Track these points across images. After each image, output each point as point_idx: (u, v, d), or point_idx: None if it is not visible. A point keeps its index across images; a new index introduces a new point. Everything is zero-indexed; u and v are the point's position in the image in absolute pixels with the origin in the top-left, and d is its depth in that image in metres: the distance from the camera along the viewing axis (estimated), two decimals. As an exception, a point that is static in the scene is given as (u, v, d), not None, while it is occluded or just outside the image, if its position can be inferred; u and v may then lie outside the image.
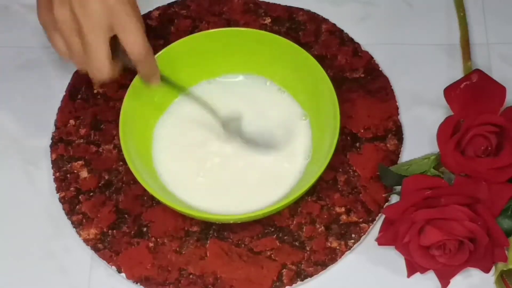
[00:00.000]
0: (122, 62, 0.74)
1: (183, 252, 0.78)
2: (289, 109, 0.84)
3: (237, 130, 0.82)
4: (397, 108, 0.85)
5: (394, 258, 0.77)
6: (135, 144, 0.79)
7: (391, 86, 0.86)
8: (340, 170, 0.82)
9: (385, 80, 0.87)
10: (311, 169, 0.80)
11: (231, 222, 0.79)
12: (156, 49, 0.84)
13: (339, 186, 0.81)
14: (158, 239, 0.79)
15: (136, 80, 0.80)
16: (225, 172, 0.81)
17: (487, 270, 0.75)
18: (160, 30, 0.90)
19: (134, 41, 0.71)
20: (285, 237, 0.79)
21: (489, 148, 0.75)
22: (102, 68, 0.72)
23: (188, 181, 0.81)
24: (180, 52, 0.83)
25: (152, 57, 0.74)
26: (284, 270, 0.77)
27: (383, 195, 0.80)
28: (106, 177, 0.82)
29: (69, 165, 0.83)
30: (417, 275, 0.76)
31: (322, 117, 0.81)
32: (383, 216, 0.77)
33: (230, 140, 0.82)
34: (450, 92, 0.78)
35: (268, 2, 0.92)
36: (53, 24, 0.72)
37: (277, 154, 0.82)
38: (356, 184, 0.81)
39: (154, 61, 0.75)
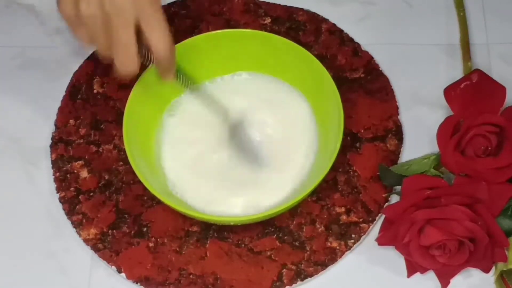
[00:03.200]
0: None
1: (183, 252, 0.78)
2: (295, 109, 0.84)
3: (241, 136, 0.82)
4: (397, 108, 0.85)
5: (394, 258, 0.77)
6: (139, 143, 0.79)
7: (391, 86, 0.86)
8: (340, 170, 0.82)
9: (385, 80, 0.87)
10: (314, 171, 0.80)
11: (231, 224, 0.79)
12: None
13: (339, 186, 0.81)
14: (158, 239, 0.79)
15: (141, 80, 0.80)
16: (228, 173, 0.81)
17: (487, 270, 0.75)
18: (160, 30, 0.90)
19: (160, 38, 0.71)
20: (285, 237, 0.79)
21: (489, 148, 0.75)
22: (130, 63, 0.71)
23: (191, 180, 0.80)
24: (184, 53, 0.83)
25: (174, 55, 0.74)
26: (284, 270, 0.77)
27: (383, 195, 0.80)
28: (106, 177, 0.82)
29: (69, 165, 0.83)
30: (417, 275, 0.76)
31: (326, 118, 0.81)
32: (383, 216, 0.77)
33: (231, 145, 0.82)
34: (450, 92, 0.78)
35: (268, 2, 0.92)
36: (78, 19, 0.70)
37: (272, 166, 0.81)
38: (356, 184, 0.81)
39: (175, 59, 0.75)
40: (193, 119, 0.84)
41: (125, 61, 0.71)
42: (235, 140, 0.82)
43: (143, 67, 0.76)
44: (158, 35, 0.71)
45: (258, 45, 0.83)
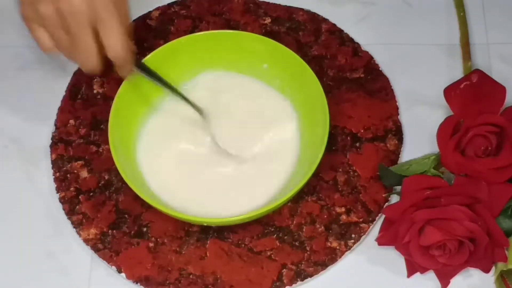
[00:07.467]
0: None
1: (183, 252, 0.78)
2: (280, 106, 0.84)
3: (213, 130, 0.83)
4: (397, 108, 0.85)
5: (394, 258, 0.77)
6: (124, 154, 0.79)
7: (391, 86, 0.86)
8: (340, 170, 0.82)
9: (385, 80, 0.87)
10: (302, 167, 0.80)
11: (225, 225, 0.79)
12: (155, 49, 0.84)
13: (339, 186, 0.81)
14: (158, 239, 0.79)
15: (121, 89, 0.81)
16: (216, 174, 0.81)
17: (487, 270, 0.75)
18: (160, 30, 0.90)
19: (114, 43, 0.74)
20: (285, 237, 0.79)
21: (489, 148, 0.75)
22: (89, 61, 0.75)
23: (180, 185, 0.80)
24: (176, 51, 0.84)
25: (128, 58, 0.76)
26: (284, 270, 0.77)
27: (383, 195, 0.80)
28: (106, 177, 0.82)
29: (69, 165, 0.83)
30: (417, 275, 0.76)
31: (312, 115, 0.81)
32: (383, 216, 0.77)
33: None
34: (450, 92, 0.78)
35: (268, 2, 0.92)
36: (37, 19, 0.74)
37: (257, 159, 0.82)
38: (356, 184, 0.81)
39: (131, 61, 0.77)
40: (177, 122, 0.84)
41: (84, 59, 0.75)
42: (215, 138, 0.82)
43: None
44: (111, 37, 0.73)
45: (231, 46, 0.84)
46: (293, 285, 0.77)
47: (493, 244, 0.73)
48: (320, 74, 0.86)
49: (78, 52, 0.74)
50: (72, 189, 0.81)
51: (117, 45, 0.74)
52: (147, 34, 0.90)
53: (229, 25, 0.90)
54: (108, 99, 0.86)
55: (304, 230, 0.79)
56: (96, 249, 0.78)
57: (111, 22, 0.73)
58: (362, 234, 0.79)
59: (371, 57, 0.88)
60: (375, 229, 0.79)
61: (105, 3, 0.72)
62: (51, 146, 0.84)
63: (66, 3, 0.71)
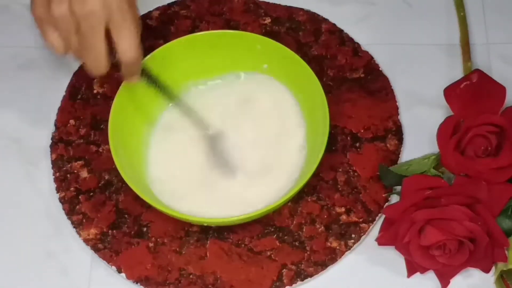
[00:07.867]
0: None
1: (183, 252, 0.78)
2: (284, 106, 0.84)
3: (220, 148, 0.83)
4: (397, 108, 0.85)
5: (394, 258, 0.77)
6: (126, 153, 0.79)
7: (391, 86, 0.86)
8: (340, 170, 0.82)
9: (385, 80, 0.87)
10: (302, 167, 0.80)
11: (225, 225, 0.79)
12: (156, 49, 0.85)
13: (339, 186, 0.81)
14: (158, 239, 0.79)
15: (121, 89, 0.81)
16: (217, 173, 0.81)
17: (487, 270, 0.75)
18: (160, 30, 0.90)
19: (127, 46, 0.73)
20: (285, 237, 0.79)
21: (489, 148, 0.75)
22: (98, 64, 0.73)
23: (180, 185, 0.80)
24: (176, 51, 0.84)
25: (139, 62, 0.75)
26: (284, 270, 0.77)
27: (383, 195, 0.80)
28: (106, 177, 0.82)
29: (69, 165, 0.83)
30: (417, 275, 0.76)
31: (312, 115, 0.81)
32: (383, 216, 0.77)
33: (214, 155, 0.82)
34: (450, 92, 0.78)
35: (268, 2, 0.92)
36: (49, 20, 0.72)
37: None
38: (356, 184, 0.81)
39: (140, 65, 0.76)
40: (174, 121, 0.84)
41: (94, 63, 0.73)
42: (217, 150, 0.82)
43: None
44: (125, 40, 0.72)
45: (231, 46, 0.84)
46: (293, 285, 0.77)
47: (493, 244, 0.73)
48: (320, 74, 0.86)
49: (87, 53, 0.73)
50: (72, 189, 0.81)
51: (130, 48, 0.73)
52: (147, 34, 0.90)
53: (229, 25, 0.90)
54: (108, 99, 0.86)
55: (304, 230, 0.79)
56: (96, 249, 0.78)
57: (125, 25, 0.72)
58: (362, 234, 0.79)
59: (371, 57, 0.88)
60: (375, 229, 0.79)
61: (120, 5, 0.71)
62: (51, 146, 0.84)
63: (80, 3, 0.70)
